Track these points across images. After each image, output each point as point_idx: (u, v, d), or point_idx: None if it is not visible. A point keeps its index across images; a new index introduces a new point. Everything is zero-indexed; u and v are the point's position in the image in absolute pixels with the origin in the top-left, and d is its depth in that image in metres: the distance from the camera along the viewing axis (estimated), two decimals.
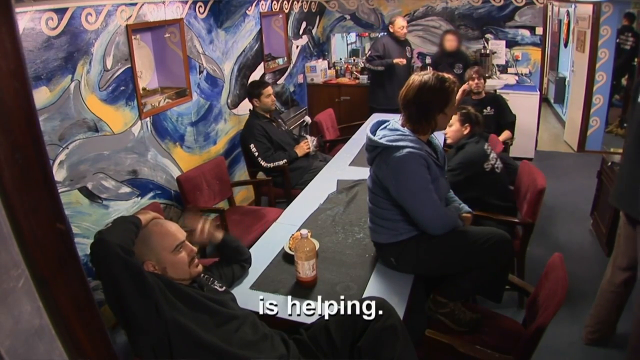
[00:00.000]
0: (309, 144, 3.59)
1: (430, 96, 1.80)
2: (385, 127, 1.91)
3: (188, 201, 2.89)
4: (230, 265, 1.85)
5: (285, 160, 3.41)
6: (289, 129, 4.01)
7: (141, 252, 1.48)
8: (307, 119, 4.99)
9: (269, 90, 3.50)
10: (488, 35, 5.23)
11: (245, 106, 3.96)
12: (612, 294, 2.21)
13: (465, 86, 3.90)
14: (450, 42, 4.76)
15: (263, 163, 3.37)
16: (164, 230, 1.52)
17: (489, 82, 4.89)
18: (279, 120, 3.80)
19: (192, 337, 1.34)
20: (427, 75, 1.82)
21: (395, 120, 1.92)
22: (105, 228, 1.44)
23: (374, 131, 1.92)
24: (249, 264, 1.94)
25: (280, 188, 3.45)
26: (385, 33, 4.97)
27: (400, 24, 4.67)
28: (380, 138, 1.84)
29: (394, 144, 1.79)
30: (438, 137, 2.09)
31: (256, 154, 3.37)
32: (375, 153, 1.88)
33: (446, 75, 1.85)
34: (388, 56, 4.60)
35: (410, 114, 1.84)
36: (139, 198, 2.99)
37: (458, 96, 3.83)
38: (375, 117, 2.40)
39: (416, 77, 1.83)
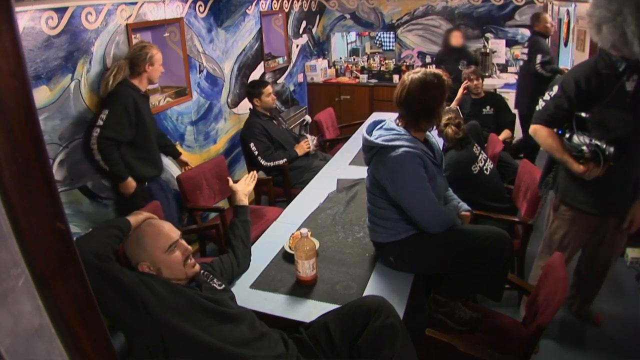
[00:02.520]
0: (309, 143, 3.59)
1: (433, 92, 1.81)
2: (381, 127, 1.92)
3: (188, 200, 2.89)
4: (231, 257, 1.87)
5: (285, 160, 3.41)
6: (289, 127, 4.01)
7: (135, 253, 1.48)
8: (307, 118, 4.99)
9: (269, 89, 3.49)
10: (488, 35, 5.24)
11: (246, 105, 3.96)
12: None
13: (465, 85, 3.90)
14: (457, 38, 4.78)
15: (263, 162, 3.37)
16: (157, 230, 1.51)
17: (489, 81, 4.90)
18: (280, 118, 3.79)
19: (187, 337, 1.34)
20: (422, 73, 1.84)
21: (390, 119, 1.93)
22: (82, 235, 1.43)
23: (370, 131, 1.92)
24: (249, 255, 1.96)
25: (280, 187, 3.45)
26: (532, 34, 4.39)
27: (549, 19, 4.30)
28: (376, 138, 1.85)
29: (390, 143, 1.80)
30: (436, 138, 2.09)
31: (256, 152, 3.37)
32: (372, 153, 1.88)
33: (436, 70, 1.88)
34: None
35: (414, 111, 1.84)
36: None
37: (459, 95, 3.86)
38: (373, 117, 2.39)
39: (414, 76, 1.83)
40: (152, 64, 2.55)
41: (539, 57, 4.09)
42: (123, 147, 2.49)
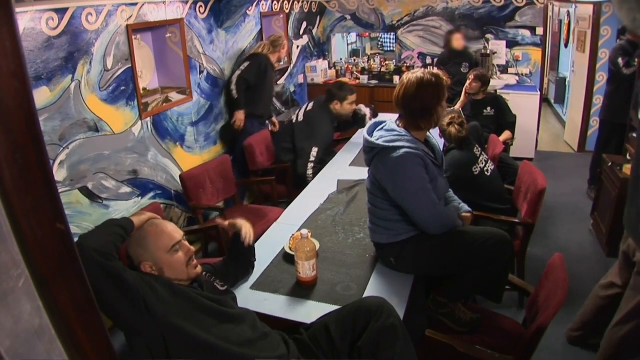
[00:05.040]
0: None
1: (430, 91, 1.82)
2: (382, 128, 1.92)
3: (190, 199, 2.89)
4: (235, 267, 1.86)
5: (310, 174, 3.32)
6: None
7: (137, 253, 1.48)
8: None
9: (354, 97, 3.55)
10: (488, 36, 5.24)
11: None
12: (602, 299, 2.16)
13: (466, 86, 3.91)
14: (459, 41, 4.78)
15: (309, 172, 3.31)
16: (160, 230, 1.51)
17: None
18: None
19: (189, 337, 1.34)
20: (420, 72, 1.85)
21: (391, 120, 1.93)
22: (86, 232, 1.43)
23: (370, 132, 1.93)
24: (252, 268, 1.95)
25: (282, 185, 3.42)
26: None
27: None
28: (377, 139, 1.85)
29: (391, 144, 1.80)
30: (437, 139, 2.09)
31: (313, 158, 3.33)
32: (372, 154, 1.89)
33: (434, 70, 1.89)
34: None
35: (412, 111, 1.85)
36: (140, 198, 2.99)
37: (462, 97, 3.87)
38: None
39: (411, 76, 1.85)
40: (283, 47, 3.90)
41: (620, 61, 3.77)
42: (249, 90, 3.67)
